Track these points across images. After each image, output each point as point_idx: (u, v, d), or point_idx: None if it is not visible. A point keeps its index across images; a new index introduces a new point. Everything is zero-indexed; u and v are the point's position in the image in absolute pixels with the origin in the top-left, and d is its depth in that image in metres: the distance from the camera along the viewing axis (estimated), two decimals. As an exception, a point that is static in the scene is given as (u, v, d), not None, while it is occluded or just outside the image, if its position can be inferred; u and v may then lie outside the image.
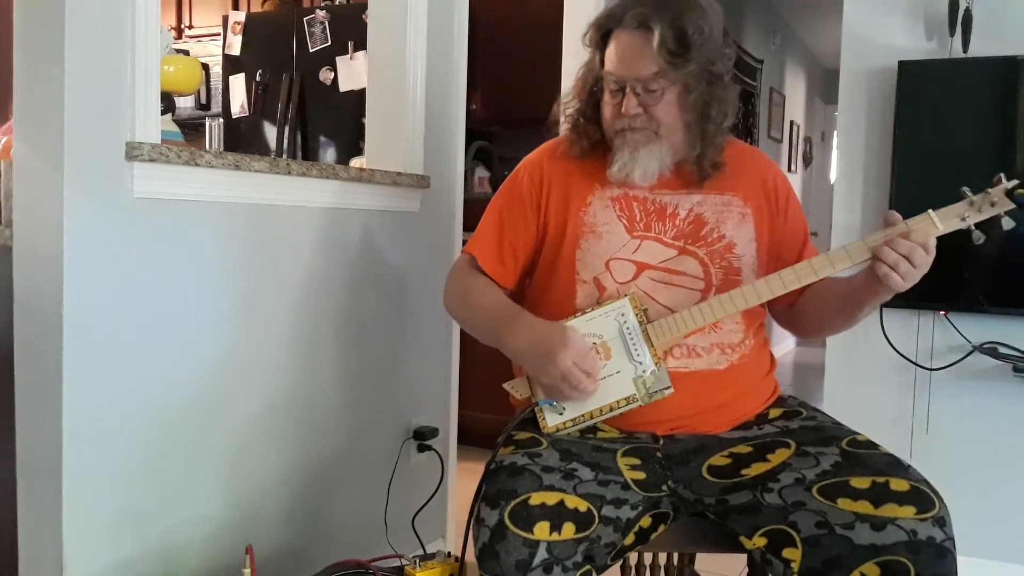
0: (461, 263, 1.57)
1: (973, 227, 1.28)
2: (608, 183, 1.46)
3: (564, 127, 1.54)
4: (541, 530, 1.17)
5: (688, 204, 1.46)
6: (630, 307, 1.38)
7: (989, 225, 1.28)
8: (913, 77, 2.27)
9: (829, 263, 1.34)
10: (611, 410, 1.35)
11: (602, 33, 1.44)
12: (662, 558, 1.54)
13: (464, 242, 2.30)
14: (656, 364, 1.35)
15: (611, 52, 1.42)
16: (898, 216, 1.29)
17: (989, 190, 1.27)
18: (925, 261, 1.26)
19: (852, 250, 1.32)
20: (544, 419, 1.36)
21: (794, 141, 6.95)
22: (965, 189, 1.28)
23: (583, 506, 1.22)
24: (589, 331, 1.38)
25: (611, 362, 1.36)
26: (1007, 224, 1.27)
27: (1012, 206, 1.25)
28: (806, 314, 1.51)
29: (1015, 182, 1.26)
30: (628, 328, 1.37)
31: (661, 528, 1.34)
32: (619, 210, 1.46)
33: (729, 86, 1.44)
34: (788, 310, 1.53)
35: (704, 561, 1.65)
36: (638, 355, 1.36)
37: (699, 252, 1.44)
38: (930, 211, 1.28)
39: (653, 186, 1.44)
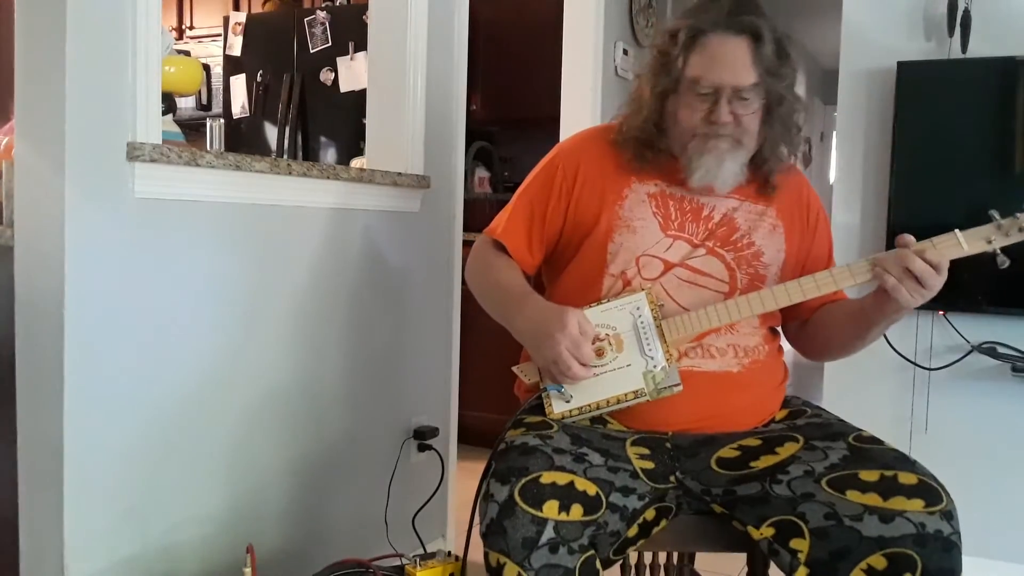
0: (487, 243, 1.53)
1: (998, 251, 1.28)
2: (645, 178, 1.45)
3: (629, 133, 1.46)
4: (550, 508, 1.17)
5: (723, 208, 1.45)
6: (646, 302, 1.37)
7: (1013, 249, 1.28)
8: (912, 78, 2.28)
9: (850, 275, 1.34)
10: (618, 402, 1.34)
11: (692, 34, 1.35)
12: (662, 557, 1.54)
13: (465, 242, 2.30)
14: (667, 361, 1.34)
15: (704, 56, 1.34)
16: (910, 238, 1.28)
17: (1018, 215, 1.27)
18: (935, 281, 1.27)
19: (855, 268, 1.33)
20: (550, 405, 1.36)
21: (794, 141, 6.94)
22: (993, 212, 1.28)
23: (592, 490, 1.21)
24: (603, 321, 1.37)
25: (622, 355, 1.36)
26: None
27: None
28: (817, 331, 1.51)
29: None
30: (643, 323, 1.36)
31: (663, 523, 1.34)
32: (655, 207, 1.44)
33: (798, 106, 1.41)
34: (800, 327, 1.54)
35: (704, 561, 1.65)
36: (650, 350, 1.35)
37: (726, 255, 1.43)
38: (957, 231, 1.28)
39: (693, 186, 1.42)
